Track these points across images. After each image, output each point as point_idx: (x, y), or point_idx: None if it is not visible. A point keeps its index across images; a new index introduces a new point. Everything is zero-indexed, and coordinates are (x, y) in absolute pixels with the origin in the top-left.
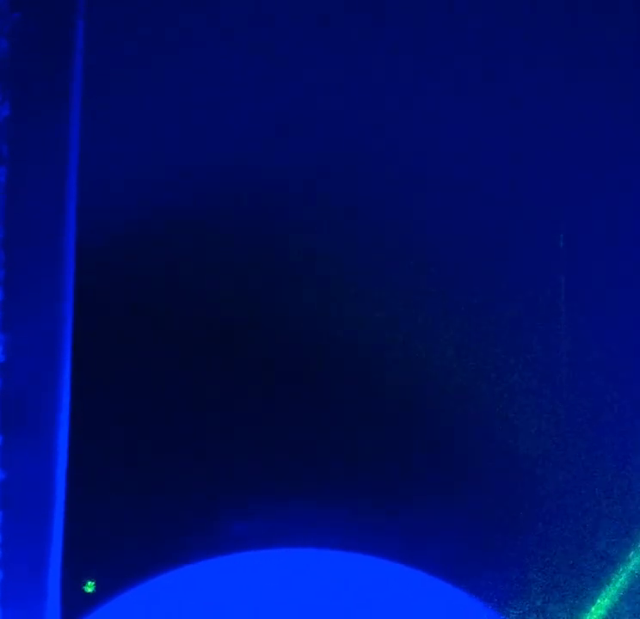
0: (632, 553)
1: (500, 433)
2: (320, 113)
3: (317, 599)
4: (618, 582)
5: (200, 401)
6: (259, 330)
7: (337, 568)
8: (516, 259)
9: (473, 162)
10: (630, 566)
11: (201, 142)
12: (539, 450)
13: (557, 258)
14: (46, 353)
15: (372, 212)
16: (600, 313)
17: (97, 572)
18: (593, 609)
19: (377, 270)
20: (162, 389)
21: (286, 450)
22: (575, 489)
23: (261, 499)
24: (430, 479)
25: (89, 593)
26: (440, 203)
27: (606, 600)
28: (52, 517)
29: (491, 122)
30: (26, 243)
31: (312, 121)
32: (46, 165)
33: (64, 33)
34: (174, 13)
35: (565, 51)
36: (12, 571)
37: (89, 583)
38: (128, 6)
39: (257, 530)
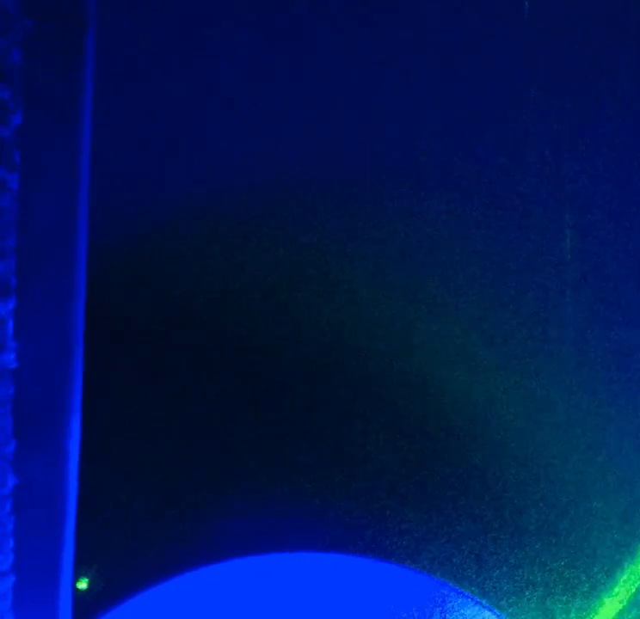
0: None
1: (502, 435)
2: (325, 118)
3: (319, 603)
4: (626, 586)
5: (208, 408)
6: (271, 342)
7: (338, 572)
8: (520, 263)
9: (476, 163)
10: (639, 569)
11: (212, 147)
12: (544, 452)
13: (564, 264)
14: (59, 360)
15: (379, 216)
16: (606, 321)
17: (107, 576)
18: (600, 612)
19: (383, 274)
20: (173, 396)
21: (287, 456)
22: (582, 492)
23: (262, 504)
24: (432, 481)
25: (82, 590)
26: (448, 205)
27: (613, 604)
28: (65, 523)
29: (493, 124)
30: (38, 250)
31: (319, 124)
32: (58, 172)
33: (75, 42)
34: (186, 22)
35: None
36: (24, 575)
37: (82, 579)
38: (139, 15)
39: (258, 535)
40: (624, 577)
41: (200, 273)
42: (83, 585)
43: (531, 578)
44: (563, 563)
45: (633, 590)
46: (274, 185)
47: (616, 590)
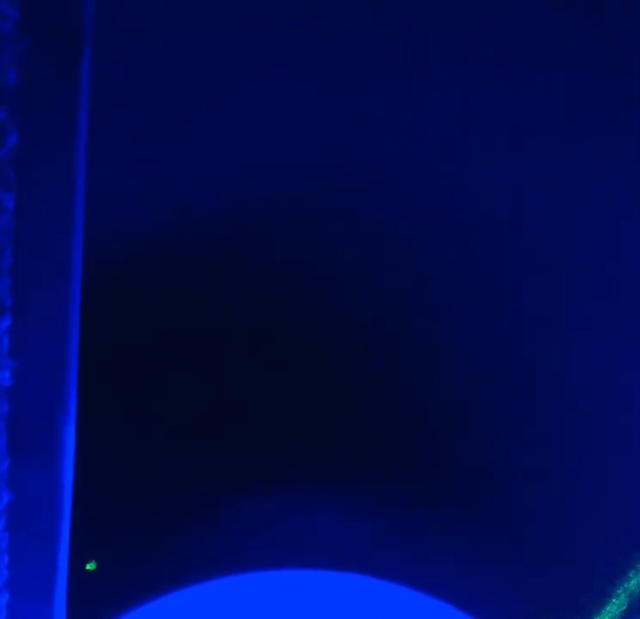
0: (632, 572)
1: (499, 448)
2: (337, 140)
3: None
4: (618, 602)
5: (210, 419)
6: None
7: (339, 590)
8: (521, 272)
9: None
10: (631, 586)
11: (214, 166)
12: (541, 467)
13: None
14: (54, 378)
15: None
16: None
17: (103, 591)
18: None
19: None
20: (170, 411)
21: (290, 469)
22: (579, 507)
23: (264, 518)
24: (428, 498)
25: (92, 571)
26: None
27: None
28: (59, 539)
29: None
30: (33, 269)
31: (327, 143)
32: (54, 192)
33: (71, 61)
34: (186, 38)
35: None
36: (19, 592)
37: (91, 563)
38: (137, 32)
39: (259, 551)
40: (620, 596)
41: (199, 291)
42: (92, 566)
43: (527, 593)
44: (559, 578)
45: (628, 608)
46: (277, 203)
47: (613, 602)
